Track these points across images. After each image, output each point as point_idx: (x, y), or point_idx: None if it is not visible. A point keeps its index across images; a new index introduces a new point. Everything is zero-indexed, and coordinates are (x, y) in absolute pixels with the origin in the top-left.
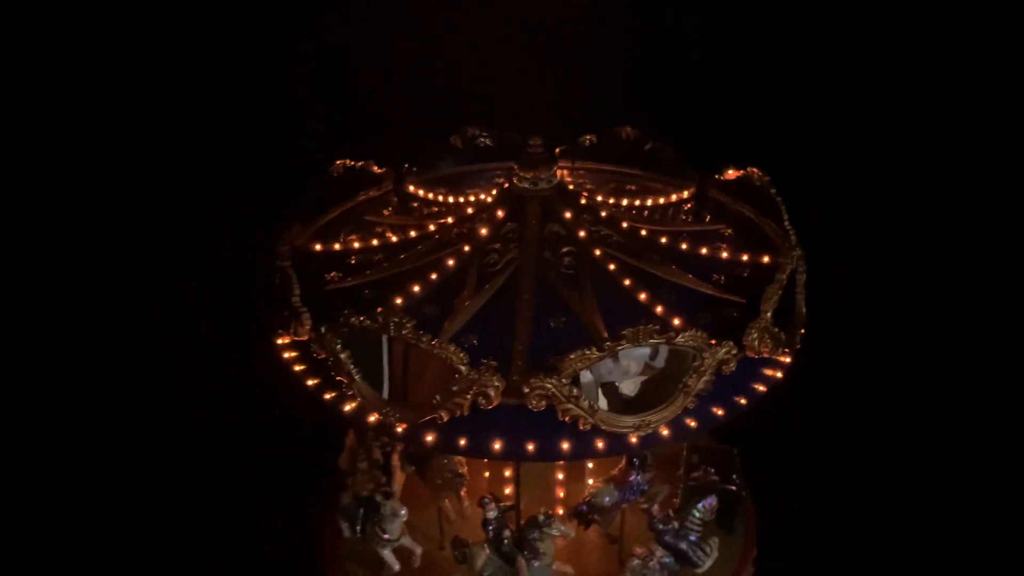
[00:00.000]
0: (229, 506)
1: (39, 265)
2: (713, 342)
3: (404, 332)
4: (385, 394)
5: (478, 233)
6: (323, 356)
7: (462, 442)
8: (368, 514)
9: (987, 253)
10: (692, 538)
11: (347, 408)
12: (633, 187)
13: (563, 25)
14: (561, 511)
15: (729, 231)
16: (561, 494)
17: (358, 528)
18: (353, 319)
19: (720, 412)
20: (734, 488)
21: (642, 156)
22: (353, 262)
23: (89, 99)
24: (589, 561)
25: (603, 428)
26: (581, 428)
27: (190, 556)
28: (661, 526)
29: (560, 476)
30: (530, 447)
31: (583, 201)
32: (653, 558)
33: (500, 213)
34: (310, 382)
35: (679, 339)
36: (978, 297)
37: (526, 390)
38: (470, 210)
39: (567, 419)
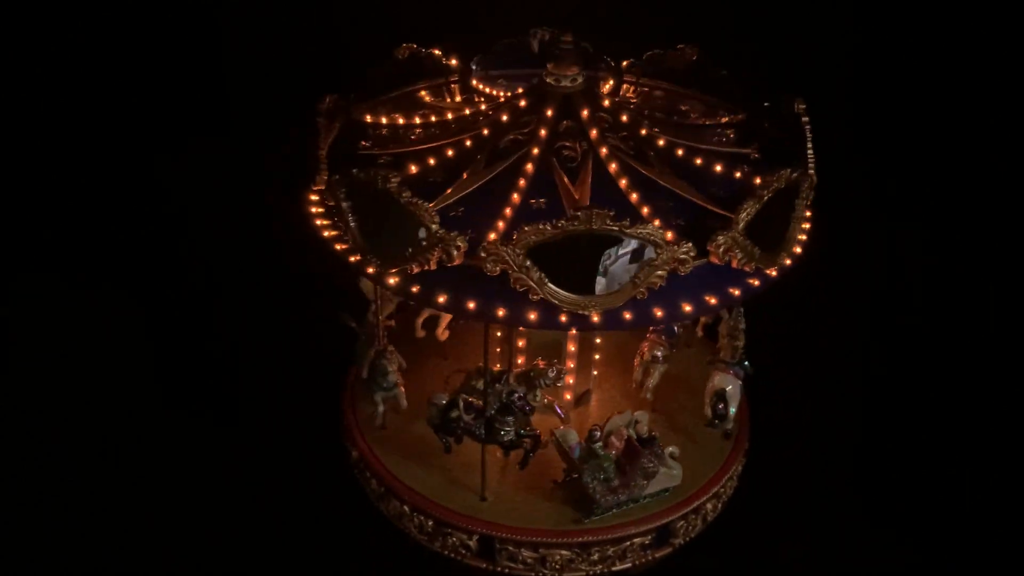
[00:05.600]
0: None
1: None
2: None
3: (388, 186)
4: (370, 243)
5: (499, 119)
6: (331, 203)
7: (415, 289)
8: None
9: None
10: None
11: (338, 248)
12: (686, 105)
13: None
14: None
15: (756, 155)
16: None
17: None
18: (354, 171)
19: (688, 308)
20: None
21: (704, 78)
22: (392, 136)
23: None
24: None
25: (551, 301)
26: (531, 298)
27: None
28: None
29: None
30: (500, 312)
31: (605, 103)
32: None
33: (522, 103)
34: (319, 222)
35: (631, 230)
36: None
37: (483, 254)
38: (500, 100)
39: (518, 287)
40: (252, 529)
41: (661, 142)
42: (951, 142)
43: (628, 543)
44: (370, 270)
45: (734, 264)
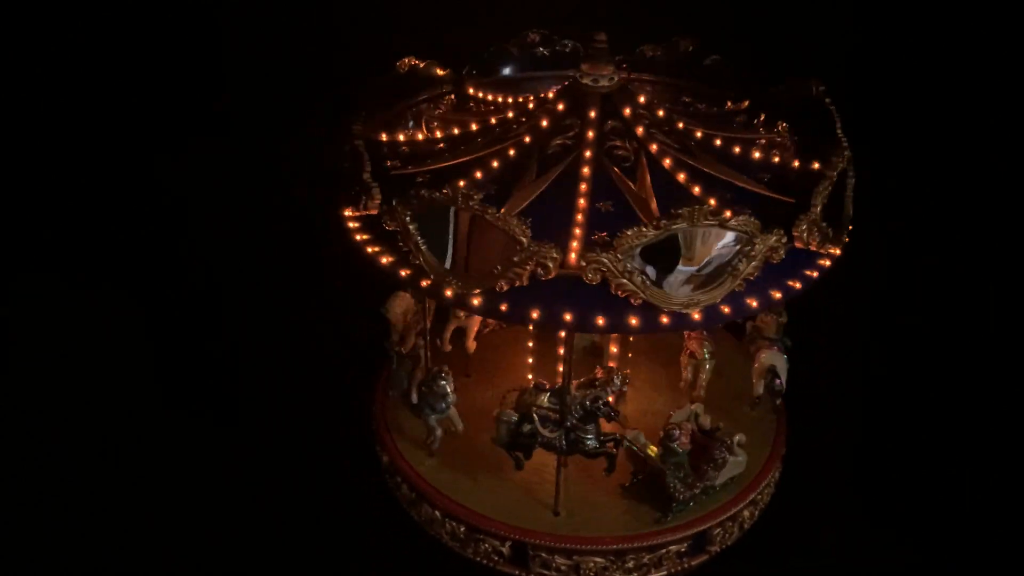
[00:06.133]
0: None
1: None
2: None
3: (471, 204)
4: (448, 264)
5: (539, 125)
6: (392, 227)
7: (503, 307)
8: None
9: None
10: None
11: (403, 274)
12: (689, 97)
13: None
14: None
15: (781, 139)
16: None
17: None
18: (424, 191)
19: (777, 295)
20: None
21: (700, 68)
22: (418, 152)
23: None
24: None
25: (653, 303)
26: (633, 303)
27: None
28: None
29: None
30: (600, 321)
31: (642, 100)
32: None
33: (561, 107)
34: (371, 249)
35: (732, 222)
36: None
37: (583, 264)
38: (531, 105)
39: (620, 294)
40: (256, 533)
41: (699, 134)
42: (951, 141)
43: (664, 550)
44: (448, 293)
45: (813, 247)
